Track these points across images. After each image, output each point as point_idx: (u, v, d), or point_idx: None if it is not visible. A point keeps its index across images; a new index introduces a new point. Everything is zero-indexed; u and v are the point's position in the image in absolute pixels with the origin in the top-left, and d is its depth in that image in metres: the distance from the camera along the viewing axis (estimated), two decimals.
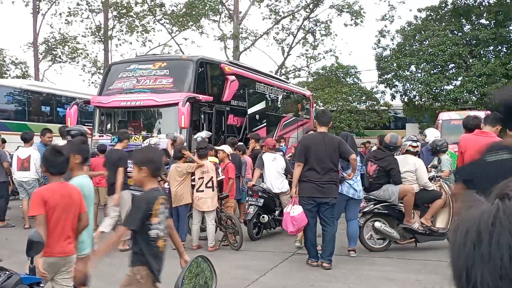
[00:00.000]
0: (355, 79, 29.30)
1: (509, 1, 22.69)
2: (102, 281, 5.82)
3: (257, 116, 14.35)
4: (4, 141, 10.99)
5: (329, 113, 6.77)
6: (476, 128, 5.42)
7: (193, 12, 23.50)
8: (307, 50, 25.90)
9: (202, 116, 11.42)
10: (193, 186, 7.33)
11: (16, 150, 11.05)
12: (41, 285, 2.40)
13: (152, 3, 23.97)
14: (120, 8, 23.67)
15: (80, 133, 7.93)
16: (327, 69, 29.13)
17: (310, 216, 6.15)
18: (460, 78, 22.54)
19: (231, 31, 23.78)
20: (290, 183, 8.56)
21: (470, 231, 0.67)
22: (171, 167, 7.56)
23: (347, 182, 6.52)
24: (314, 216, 6.20)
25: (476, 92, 21.57)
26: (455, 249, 0.68)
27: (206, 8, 23.79)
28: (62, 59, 25.46)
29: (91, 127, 12.05)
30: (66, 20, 24.43)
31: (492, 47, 23.51)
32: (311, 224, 6.17)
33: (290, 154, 10.76)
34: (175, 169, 7.38)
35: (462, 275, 0.66)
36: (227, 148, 8.29)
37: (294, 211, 6.16)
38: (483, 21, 24.06)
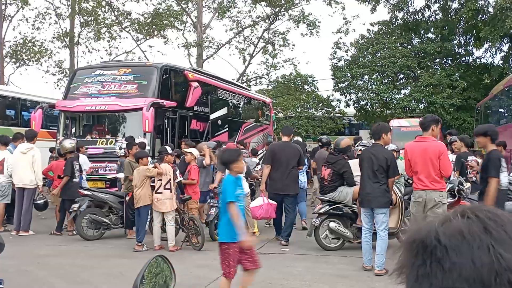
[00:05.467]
0: (313, 87, 30.30)
1: (454, 17, 24.24)
2: (63, 280, 5.93)
3: (219, 122, 14.73)
4: None
5: (291, 127, 9.53)
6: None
7: (159, 22, 23.62)
8: (267, 59, 26.58)
9: (166, 121, 11.68)
10: (153, 188, 7.46)
11: None
12: (1, 286, 2.30)
13: (118, 13, 23.91)
14: (87, 15, 23.49)
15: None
16: (286, 77, 29.92)
17: (278, 205, 7.76)
18: (409, 88, 23.83)
19: (195, 40, 24.07)
20: (250, 186, 9.10)
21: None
22: (135, 171, 7.63)
23: None
24: (280, 206, 7.84)
25: (423, 101, 22.84)
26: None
27: (171, 19, 23.99)
28: (27, 62, 24.81)
29: (56, 131, 12.08)
30: (33, 25, 24.03)
31: (438, 60, 24.94)
32: (277, 212, 7.84)
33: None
34: (136, 171, 7.52)
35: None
36: (195, 151, 8.51)
37: (256, 203, 7.62)
38: (430, 35, 25.50)
